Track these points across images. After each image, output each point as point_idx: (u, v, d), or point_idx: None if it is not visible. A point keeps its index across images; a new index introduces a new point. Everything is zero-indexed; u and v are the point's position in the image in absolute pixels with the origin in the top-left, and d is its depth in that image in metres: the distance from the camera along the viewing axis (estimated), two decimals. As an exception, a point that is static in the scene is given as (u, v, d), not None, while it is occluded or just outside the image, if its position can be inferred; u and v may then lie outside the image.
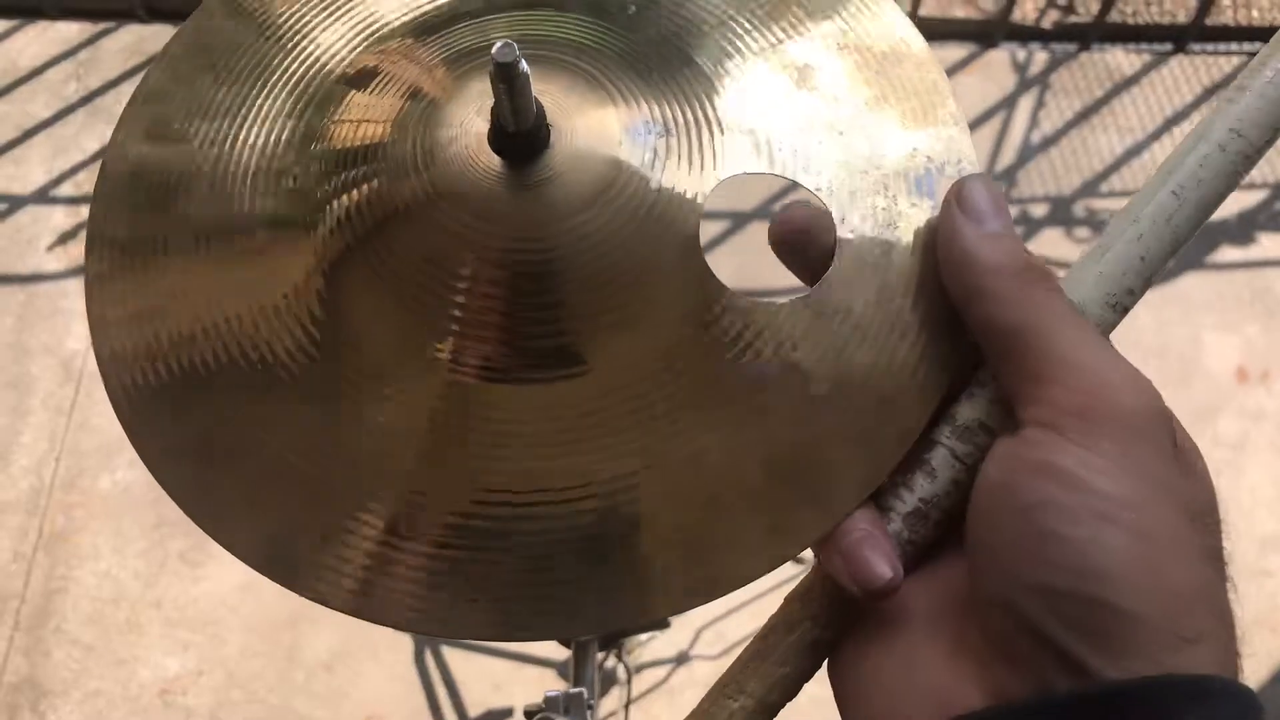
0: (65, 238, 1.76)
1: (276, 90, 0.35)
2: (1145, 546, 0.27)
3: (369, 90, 0.33)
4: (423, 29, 0.35)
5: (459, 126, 0.31)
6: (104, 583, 1.53)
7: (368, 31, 0.35)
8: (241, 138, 0.34)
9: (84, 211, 1.80)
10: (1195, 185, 0.31)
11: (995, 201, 0.32)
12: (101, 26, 1.95)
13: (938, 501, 0.31)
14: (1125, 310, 0.32)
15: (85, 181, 1.81)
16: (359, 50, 0.35)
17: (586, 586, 0.30)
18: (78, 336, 1.68)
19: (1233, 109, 0.31)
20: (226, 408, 0.32)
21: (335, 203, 0.32)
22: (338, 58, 0.35)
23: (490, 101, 0.30)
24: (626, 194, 0.31)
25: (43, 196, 1.79)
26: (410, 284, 0.31)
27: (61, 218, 1.78)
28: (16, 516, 1.57)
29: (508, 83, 0.27)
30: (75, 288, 1.72)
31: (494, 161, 0.31)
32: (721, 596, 0.30)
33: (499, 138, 0.30)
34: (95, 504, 1.57)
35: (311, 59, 0.35)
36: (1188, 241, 0.32)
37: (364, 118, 0.33)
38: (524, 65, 0.27)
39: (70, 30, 1.95)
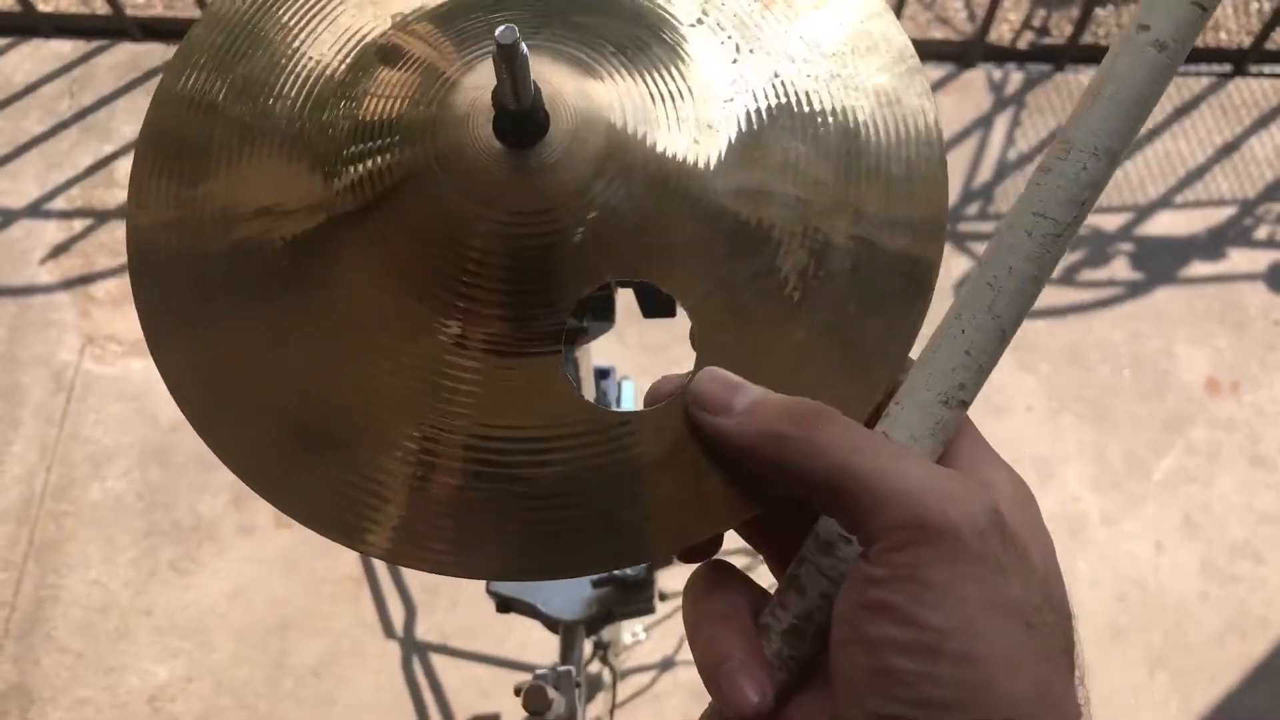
0: (57, 251, 1.78)
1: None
2: (976, 670, 0.28)
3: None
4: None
5: (469, 108, 0.34)
6: (94, 591, 1.54)
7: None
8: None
9: (76, 225, 1.83)
10: (1008, 274, 0.31)
11: (725, 383, 0.33)
12: (95, 44, 1.98)
13: (811, 616, 0.32)
14: (964, 405, 0.32)
15: (78, 196, 1.83)
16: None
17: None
18: (69, 348, 1.70)
19: (1036, 193, 0.32)
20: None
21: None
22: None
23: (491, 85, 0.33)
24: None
25: (35, 211, 1.81)
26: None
27: (54, 232, 1.80)
28: (7, 525, 1.58)
29: (509, 62, 0.30)
30: (67, 300, 1.74)
31: (498, 145, 0.34)
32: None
33: (501, 118, 0.33)
34: (85, 513, 1.58)
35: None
36: (1016, 329, 0.32)
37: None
38: (524, 47, 0.30)
39: (64, 48, 1.97)
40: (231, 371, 0.35)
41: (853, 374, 0.34)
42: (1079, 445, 1.66)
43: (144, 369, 1.68)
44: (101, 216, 1.81)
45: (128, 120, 1.90)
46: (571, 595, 0.98)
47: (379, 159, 0.35)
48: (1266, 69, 2.01)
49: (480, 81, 0.35)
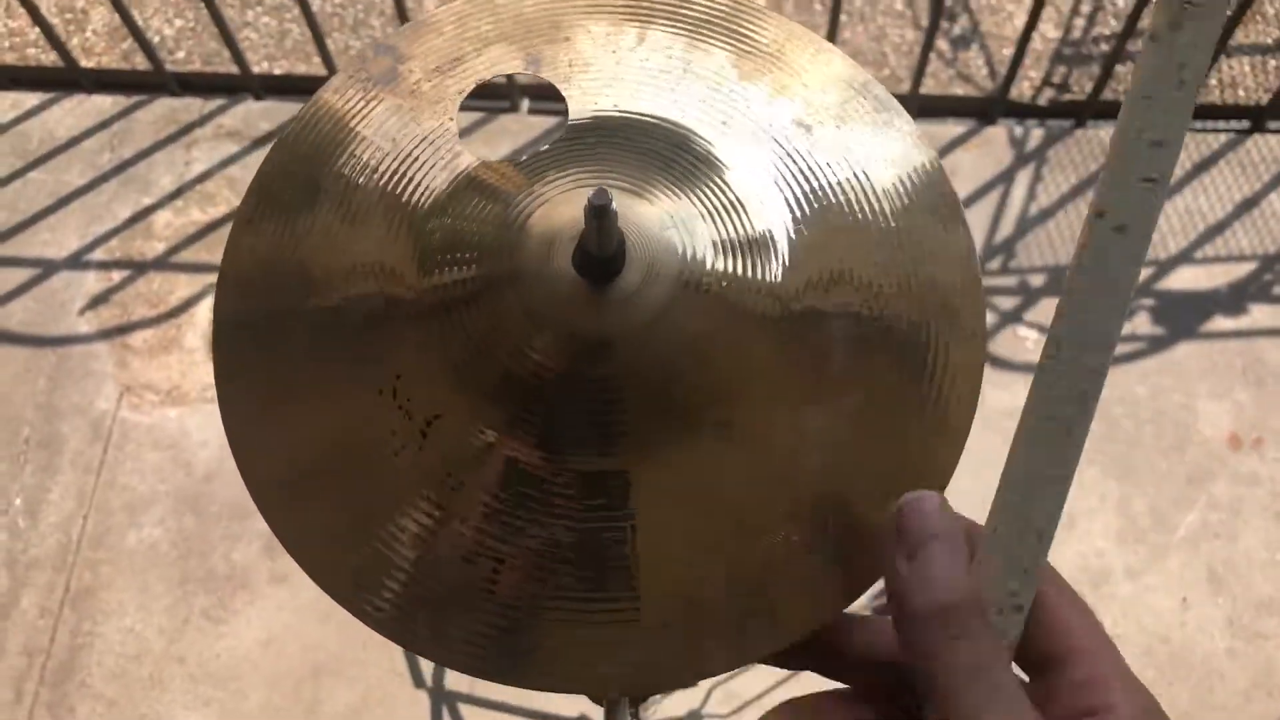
0: (96, 301, 1.82)
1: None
2: None
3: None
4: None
5: (551, 239, 0.36)
6: (128, 639, 1.56)
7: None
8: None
9: (115, 276, 1.87)
10: (1026, 478, 0.33)
11: (922, 528, 0.32)
12: (134, 99, 2.02)
13: None
14: (1020, 608, 0.32)
15: (117, 247, 1.87)
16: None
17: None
18: (107, 397, 1.73)
19: (1035, 393, 0.32)
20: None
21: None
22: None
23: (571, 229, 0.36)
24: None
25: (76, 262, 1.85)
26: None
27: (93, 282, 1.84)
28: (44, 573, 1.61)
29: (600, 219, 0.33)
30: (105, 350, 1.77)
31: (574, 276, 0.35)
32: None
33: (581, 255, 0.35)
34: (122, 561, 1.61)
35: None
36: (1054, 527, 0.33)
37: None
38: (614, 206, 0.32)
39: (104, 103, 2.02)
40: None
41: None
42: (1102, 499, 1.67)
43: (178, 417, 1.71)
44: (140, 267, 1.85)
45: (166, 172, 1.95)
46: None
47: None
48: (1284, 125, 2.03)
49: (557, 215, 0.37)
